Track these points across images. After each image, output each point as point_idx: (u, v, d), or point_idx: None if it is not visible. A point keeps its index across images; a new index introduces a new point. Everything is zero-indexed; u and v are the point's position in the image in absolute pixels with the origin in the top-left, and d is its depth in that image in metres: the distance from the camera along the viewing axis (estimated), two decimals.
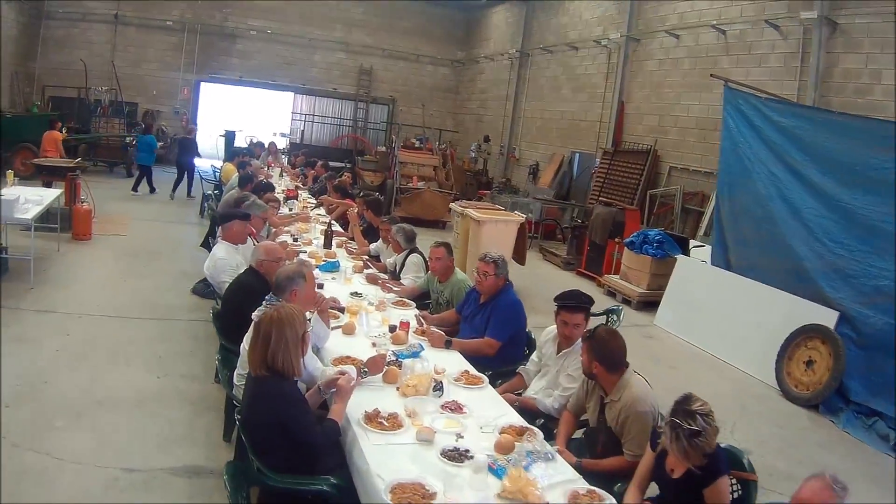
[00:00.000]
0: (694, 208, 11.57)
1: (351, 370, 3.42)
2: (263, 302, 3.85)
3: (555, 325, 4.14)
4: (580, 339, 3.85)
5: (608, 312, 6.10)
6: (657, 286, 9.44)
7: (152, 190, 14.51)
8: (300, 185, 12.51)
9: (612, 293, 10.02)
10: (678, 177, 12.08)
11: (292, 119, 22.07)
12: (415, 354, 3.98)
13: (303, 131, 21.76)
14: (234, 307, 4.43)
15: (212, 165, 14.90)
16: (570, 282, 10.96)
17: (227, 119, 20.35)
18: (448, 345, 4.36)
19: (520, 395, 4.16)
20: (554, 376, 3.99)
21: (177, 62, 19.77)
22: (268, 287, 4.44)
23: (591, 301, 4.00)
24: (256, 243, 6.40)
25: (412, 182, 15.77)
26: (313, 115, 22.06)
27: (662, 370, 7.03)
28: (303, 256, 6.53)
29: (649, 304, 9.39)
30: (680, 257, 9.11)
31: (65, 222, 9.30)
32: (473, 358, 4.29)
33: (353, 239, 7.78)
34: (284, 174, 13.88)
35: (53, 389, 4.82)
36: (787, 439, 5.85)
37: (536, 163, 17.40)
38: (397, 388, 3.53)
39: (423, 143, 18.68)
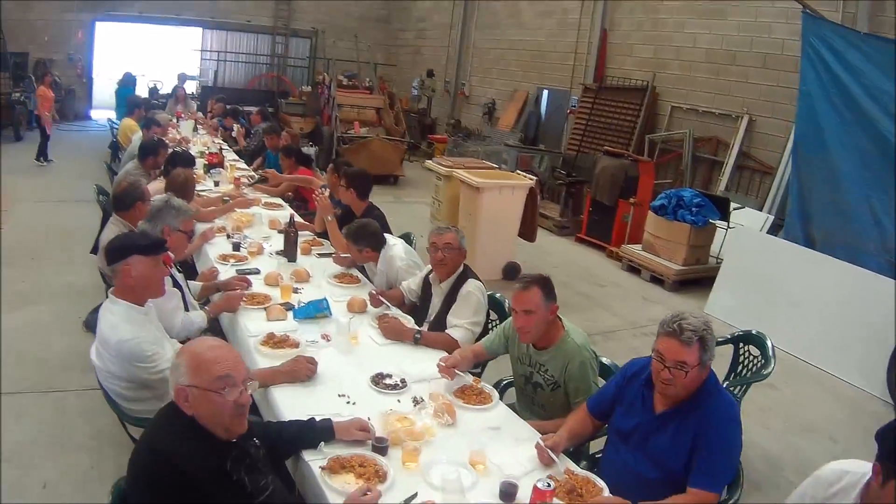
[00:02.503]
0: (706, 156, 9.75)
1: None
2: None
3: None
4: None
5: (739, 342, 4.07)
6: (694, 261, 7.63)
7: None
8: (224, 144, 9.91)
9: (633, 269, 8.11)
10: (683, 118, 10.18)
11: (202, 58, 18.77)
12: None
13: (215, 72, 18.58)
14: None
15: (108, 120, 12.08)
16: (573, 252, 9.04)
17: (127, 64, 17.01)
18: None
19: None
20: None
21: (71, 2, 16.37)
22: (220, 454, 1.95)
23: None
24: (178, 272, 3.76)
25: (353, 129, 13.33)
26: (226, 53, 18.82)
27: None
28: (256, 284, 4.00)
29: (687, 283, 7.59)
30: (736, 227, 7.29)
31: None
32: None
33: (320, 235, 5.23)
34: (199, 128, 11.16)
35: None
36: None
37: (493, 101, 15.16)
38: None
39: (357, 81, 16.12)
